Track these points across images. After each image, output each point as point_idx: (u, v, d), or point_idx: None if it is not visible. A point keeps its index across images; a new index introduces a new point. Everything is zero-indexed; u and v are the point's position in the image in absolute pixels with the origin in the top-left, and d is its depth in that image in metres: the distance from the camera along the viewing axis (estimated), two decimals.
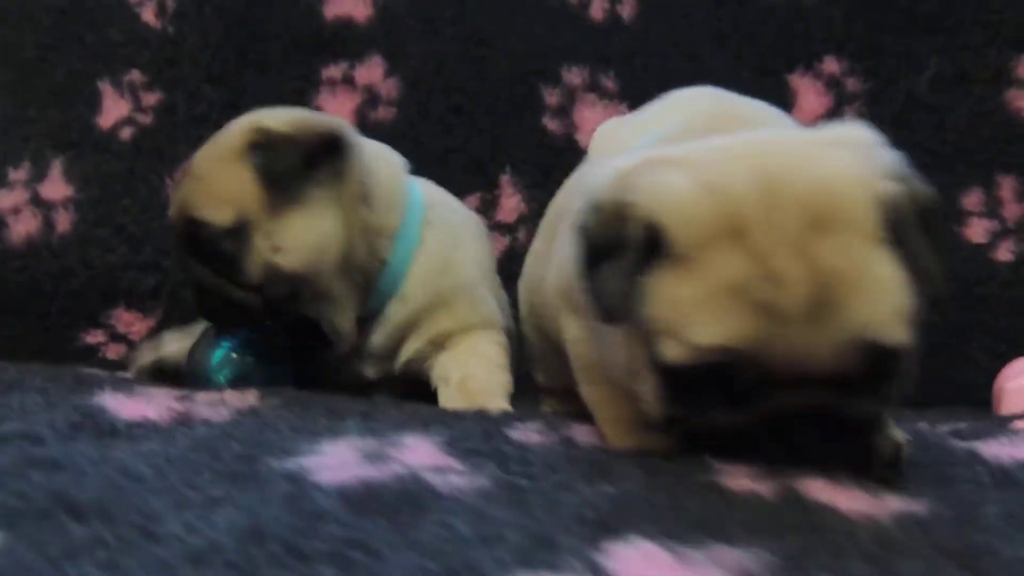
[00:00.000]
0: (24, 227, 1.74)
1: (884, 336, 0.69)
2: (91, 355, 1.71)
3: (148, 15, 1.82)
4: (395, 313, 1.26)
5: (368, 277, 1.23)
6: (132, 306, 1.72)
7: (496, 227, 1.75)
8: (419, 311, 1.26)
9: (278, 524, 0.60)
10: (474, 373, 1.20)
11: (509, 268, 1.71)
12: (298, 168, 1.12)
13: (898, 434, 0.82)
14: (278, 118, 1.17)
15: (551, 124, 1.79)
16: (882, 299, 0.69)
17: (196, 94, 1.79)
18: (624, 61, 1.79)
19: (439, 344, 1.26)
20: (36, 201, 1.75)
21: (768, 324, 0.69)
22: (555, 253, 1.03)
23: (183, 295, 1.71)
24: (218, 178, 1.15)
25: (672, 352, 0.72)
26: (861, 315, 0.68)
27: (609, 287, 0.76)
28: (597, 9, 1.82)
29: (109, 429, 0.88)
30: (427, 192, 1.36)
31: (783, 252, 0.68)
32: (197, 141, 1.75)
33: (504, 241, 1.74)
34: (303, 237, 1.15)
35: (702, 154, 0.76)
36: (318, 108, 1.80)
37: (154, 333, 1.72)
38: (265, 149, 1.13)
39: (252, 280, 1.15)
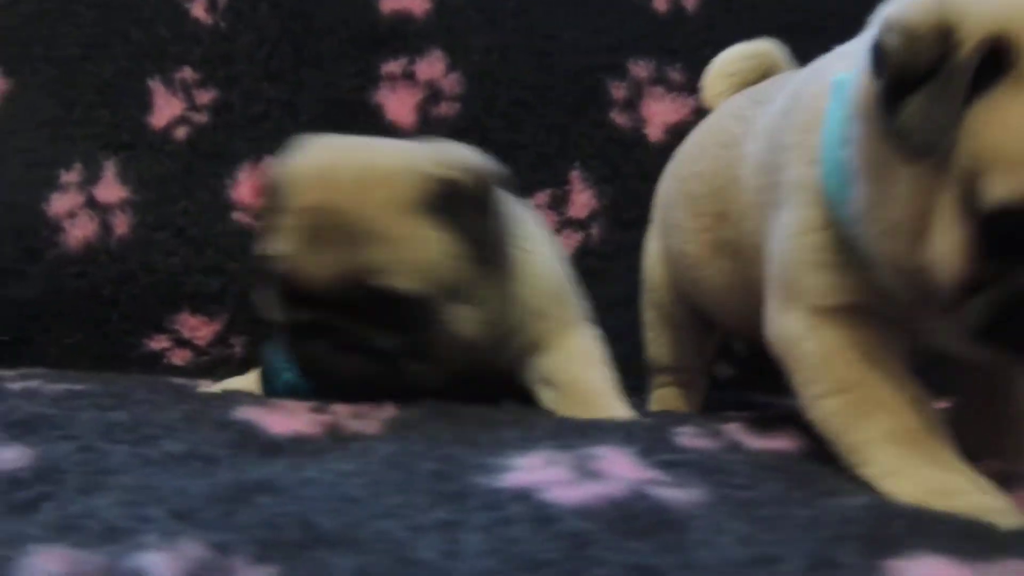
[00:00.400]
0: (81, 231, 1.68)
1: None
2: (156, 361, 1.66)
3: (198, 11, 1.77)
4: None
5: None
6: (197, 310, 1.67)
7: (568, 223, 1.71)
8: (527, 319, 1.18)
9: (545, 549, 0.57)
10: (580, 375, 1.15)
11: (584, 264, 1.68)
12: (489, 224, 1.01)
13: None
14: (438, 161, 1.04)
15: (619, 118, 1.76)
16: None
17: (253, 92, 1.73)
18: (690, 53, 1.76)
19: (537, 346, 1.19)
20: (92, 204, 1.69)
21: None
22: (782, 221, 0.89)
23: (256, 304, 1.67)
24: (408, 242, 1.00)
25: (1006, 188, 0.64)
26: None
27: (928, 114, 0.68)
28: (660, 1, 1.79)
29: (272, 446, 0.84)
30: None
31: None
32: (256, 140, 1.72)
33: (577, 237, 1.71)
34: (495, 303, 1.07)
35: None
36: (378, 105, 1.76)
37: (221, 337, 1.67)
38: (450, 206, 1.01)
39: (435, 347, 1.05)
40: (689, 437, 0.92)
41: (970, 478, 0.75)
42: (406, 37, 1.77)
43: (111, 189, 1.70)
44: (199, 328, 1.67)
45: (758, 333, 0.95)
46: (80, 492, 0.66)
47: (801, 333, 0.86)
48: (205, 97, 1.74)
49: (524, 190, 1.71)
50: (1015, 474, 0.82)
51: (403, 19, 1.78)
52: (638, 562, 0.56)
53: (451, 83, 1.76)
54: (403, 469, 0.75)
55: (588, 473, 0.73)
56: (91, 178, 1.71)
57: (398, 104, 1.76)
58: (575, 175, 1.74)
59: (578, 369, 1.16)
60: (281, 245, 1.02)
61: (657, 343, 1.33)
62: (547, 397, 1.16)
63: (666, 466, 0.77)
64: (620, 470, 0.74)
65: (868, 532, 0.62)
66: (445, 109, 1.76)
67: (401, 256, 1.00)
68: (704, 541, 0.59)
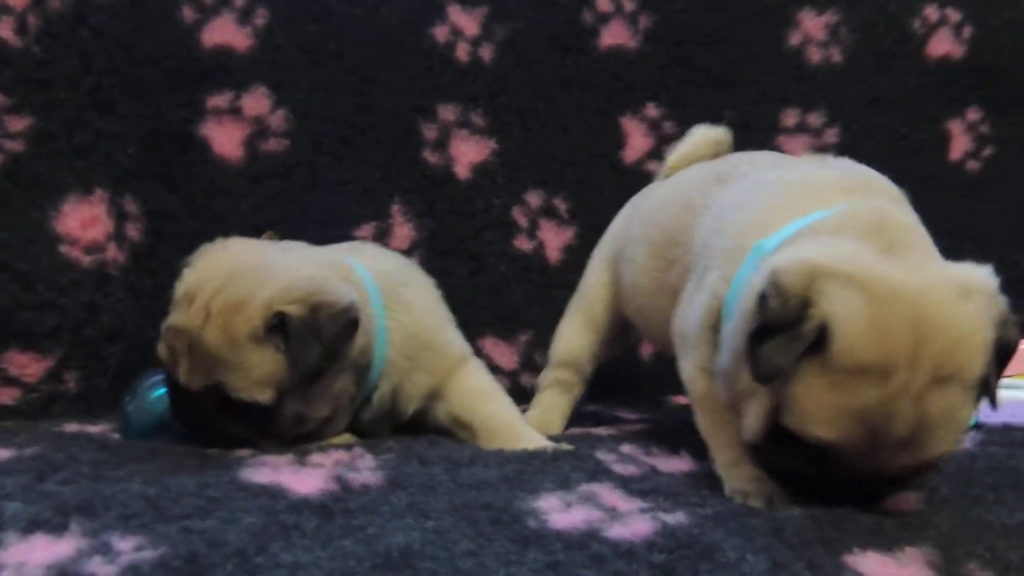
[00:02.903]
0: None
1: (943, 457, 0.98)
2: None
3: (5, 31, 1.68)
4: (381, 389, 1.41)
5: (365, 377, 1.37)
6: (28, 347, 1.62)
7: None
8: (400, 379, 1.43)
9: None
10: (491, 411, 1.40)
11: None
12: (323, 359, 1.23)
13: None
14: (291, 297, 1.23)
15: (431, 157, 1.96)
16: (956, 437, 0.97)
17: (77, 121, 1.70)
18: (489, 100, 2.00)
19: (434, 397, 1.44)
20: None
21: (871, 442, 0.94)
22: (690, 297, 1.22)
23: (87, 334, 1.67)
24: (252, 365, 1.22)
25: (793, 424, 0.97)
26: (937, 450, 0.96)
27: (774, 358, 0.96)
28: (462, 51, 2.00)
29: (323, 508, 0.97)
30: (367, 264, 1.44)
31: (908, 397, 0.93)
32: (85, 171, 1.70)
33: None
34: (329, 394, 1.29)
35: (878, 281, 0.96)
36: (204, 138, 1.81)
37: (53, 374, 1.65)
38: (290, 338, 1.22)
39: (281, 431, 1.27)
40: (615, 464, 1.19)
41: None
42: (230, 72, 1.83)
43: None
44: (28, 365, 1.63)
45: None
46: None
47: (692, 376, 1.19)
48: (19, 124, 1.68)
49: (351, 223, 1.87)
50: None
51: (226, 53, 1.83)
52: None
53: (277, 120, 1.85)
54: (469, 520, 0.93)
55: (609, 510, 0.97)
56: None
57: (225, 138, 1.81)
58: (396, 209, 1.92)
59: (484, 407, 1.40)
60: (162, 349, 1.27)
61: (570, 339, 1.61)
62: (464, 436, 1.39)
63: (642, 495, 1.03)
64: (622, 504, 0.99)
65: (819, 536, 0.92)
66: (273, 145, 1.85)
67: (243, 377, 1.22)
68: (739, 559, 0.86)
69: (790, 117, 2.22)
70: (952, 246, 2.27)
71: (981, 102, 2.36)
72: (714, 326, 1.13)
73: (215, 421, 1.25)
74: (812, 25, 2.25)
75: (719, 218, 1.23)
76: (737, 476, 1.09)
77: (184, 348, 1.23)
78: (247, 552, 0.82)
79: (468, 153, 1.98)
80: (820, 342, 0.94)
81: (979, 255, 2.30)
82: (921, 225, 1.14)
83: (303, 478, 1.06)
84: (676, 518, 0.95)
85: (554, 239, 2.03)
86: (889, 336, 0.93)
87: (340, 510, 0.97)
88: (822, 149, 2.23)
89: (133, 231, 1.74)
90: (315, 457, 1.16)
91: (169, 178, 1.77)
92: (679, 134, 2.12)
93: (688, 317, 1.20)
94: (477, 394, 1.42)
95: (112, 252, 1.70)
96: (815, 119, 2.23)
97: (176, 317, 1.25)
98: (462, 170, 1.98)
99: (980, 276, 1.02)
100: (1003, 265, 2.26)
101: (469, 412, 1.39)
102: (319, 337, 1.22)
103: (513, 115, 2.02)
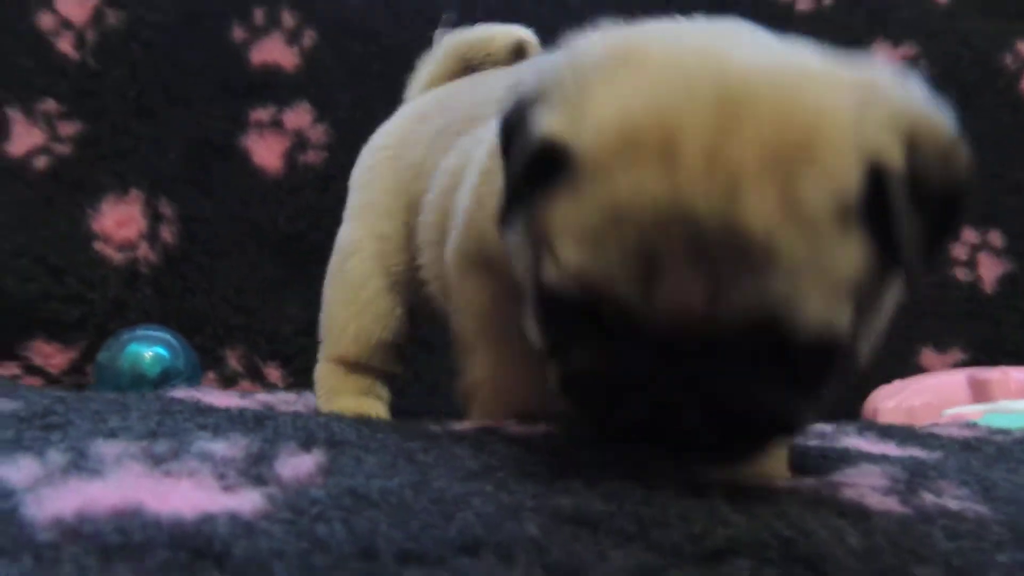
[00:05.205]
0: None
1: (810, 328, 0.59)
2: None
3: (65, 46, 1.79)
4: None
5: None
6: (53, 337, 1.65)
7: None
8: None
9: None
10: None
11: None
12: None
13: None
14: None
15: None
16: (827, 290, 0.60)
17: (121, 127, 1.77)
18: None
19: None
20: None
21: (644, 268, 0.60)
22: None
23: (112, 328, 1.68)
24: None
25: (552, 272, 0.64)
26: (783, 291, 0.58)
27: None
28: None
29: (239, 414, 0.91)
30: None
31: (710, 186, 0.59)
32: (123, 174, 1.76)
33: None
34: None
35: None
36: (245, 149, 1.84)
37: (75, 366, 1.66)
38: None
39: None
40: None
41: None
42: (275, 88, 1.88)
43: None
44: (53, 355, 1.65)
45: None
46: None
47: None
48: (69, 129, 1.76)
49: None
50: None
51: (272, 71, 1.88)
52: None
53: (317, 133, 1.87)
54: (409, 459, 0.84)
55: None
56: None
57: (266, 149, 1.85)
58: None
59: None
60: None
61: None
62: None
63: None
64: None
65: None
66: (312, 157, 1.86)
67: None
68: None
69: None
70: None
71: None
72: None
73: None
74: (888, 56, 2.14)
75: None
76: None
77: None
78: (105, 415, 0.77)
79: None
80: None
81: None
82: None
83: (222, 397, 1.00)
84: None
85: None
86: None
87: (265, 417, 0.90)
88: None
89: (167, 233, 1.77)
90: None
91: (207, 185, 1.80)
92: None
93: None
94: None
95: (143, 251, 1.73)
96: None
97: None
98: None
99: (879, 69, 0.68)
100: None
101: None
102: None
103: None
